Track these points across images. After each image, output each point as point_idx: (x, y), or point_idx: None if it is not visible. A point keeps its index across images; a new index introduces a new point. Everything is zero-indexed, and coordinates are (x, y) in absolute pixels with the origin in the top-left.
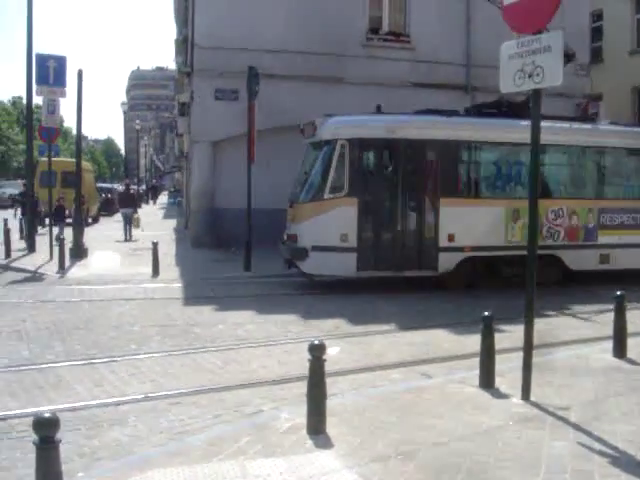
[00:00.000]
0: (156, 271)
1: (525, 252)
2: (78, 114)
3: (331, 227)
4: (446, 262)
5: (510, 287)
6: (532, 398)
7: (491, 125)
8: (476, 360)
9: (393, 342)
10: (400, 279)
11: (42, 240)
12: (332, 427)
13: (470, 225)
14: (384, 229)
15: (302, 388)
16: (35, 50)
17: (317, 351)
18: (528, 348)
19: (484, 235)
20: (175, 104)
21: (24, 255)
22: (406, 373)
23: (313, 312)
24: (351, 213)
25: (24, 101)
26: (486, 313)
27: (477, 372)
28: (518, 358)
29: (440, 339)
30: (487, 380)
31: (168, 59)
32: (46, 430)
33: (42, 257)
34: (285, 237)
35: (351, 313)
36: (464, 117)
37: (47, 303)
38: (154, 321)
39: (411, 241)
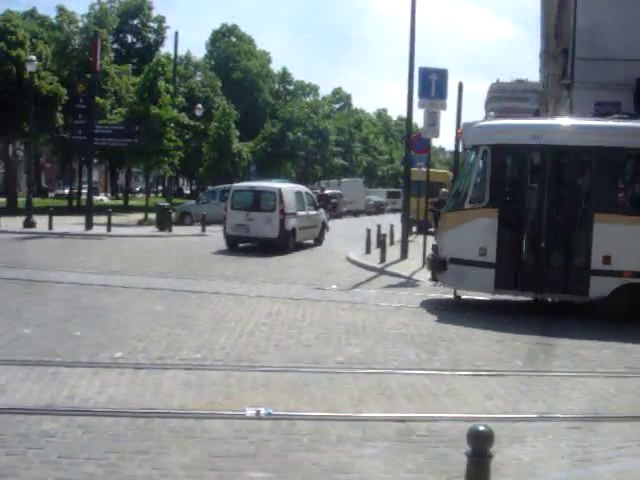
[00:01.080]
0: None
1: None
2: (457, 125)
3: (469, 239)
4: (599, 287)
5: None
6: None
7: None
8: None
9: None
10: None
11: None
12: None
13: (632, 247)
14: (526, 245)
15: None
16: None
17: None
18: None
19: None
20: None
21: (397, 261)
22: None
23: None
24: (491, 225)
25: (388, 113)
26: None
27: None
28: None
29: None
30: None
31: (527, 72)
32: (481, 442)
33: (415, 264)
34: (432, 248)
35: None
36: (630, 121)
37: (423, 310)
38: (532, 339)
39: (557, 261)
